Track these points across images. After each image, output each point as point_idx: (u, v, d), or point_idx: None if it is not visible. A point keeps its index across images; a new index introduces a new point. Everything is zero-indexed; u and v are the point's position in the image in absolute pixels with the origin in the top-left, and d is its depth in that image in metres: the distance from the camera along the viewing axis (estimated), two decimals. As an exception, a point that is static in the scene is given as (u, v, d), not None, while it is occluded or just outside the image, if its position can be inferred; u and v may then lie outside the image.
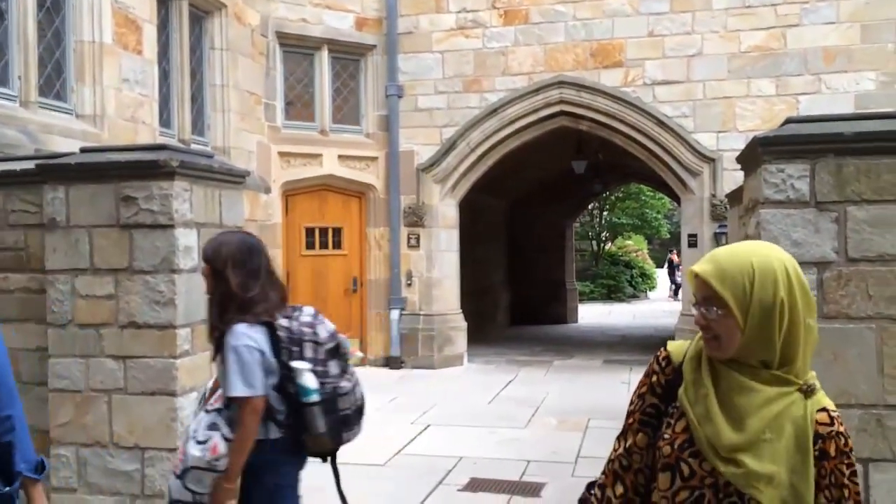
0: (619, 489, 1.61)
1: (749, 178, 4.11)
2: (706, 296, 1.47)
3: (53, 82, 6.47)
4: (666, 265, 27.03)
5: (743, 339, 1.44)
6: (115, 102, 6.82)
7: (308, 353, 2.76)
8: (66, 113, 6.53)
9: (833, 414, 1.46)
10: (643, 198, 24.41)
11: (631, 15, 9.96)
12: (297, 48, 10.33)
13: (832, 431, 1.44)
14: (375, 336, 10.55)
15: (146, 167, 4.27)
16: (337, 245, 10.53)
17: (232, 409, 2.72)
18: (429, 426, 7.07)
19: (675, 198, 12.59)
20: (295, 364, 2.72)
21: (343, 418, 2.81)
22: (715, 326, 1.46)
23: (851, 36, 9.36)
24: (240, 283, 2.76)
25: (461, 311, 10.82)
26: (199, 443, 2.68)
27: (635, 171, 14.48)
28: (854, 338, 3.46)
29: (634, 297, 24.43)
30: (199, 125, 8.67)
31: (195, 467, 2.65)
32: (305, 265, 10.18)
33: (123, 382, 4.23)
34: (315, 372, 2.74)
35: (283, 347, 2.75)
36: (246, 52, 9.30)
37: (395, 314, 10.39)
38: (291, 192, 10.22)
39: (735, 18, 9.70)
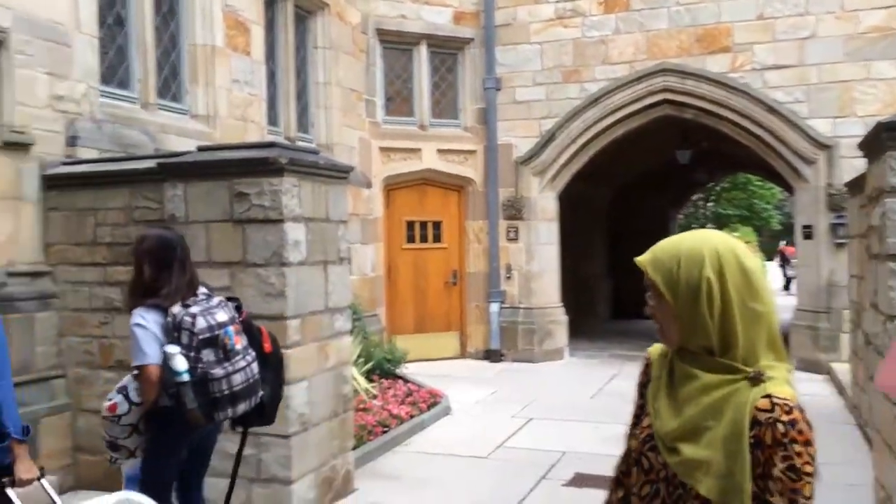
0: (620, 493, 1.63)
1: (873, 165, 3.89)
2: (646, 284, 1.46)
3: (170, 84, 6.78)
4: (777, 258, 25.91)
5: (678, 324, 1.41)
6: (227, 102, 7.09)
7: (184, 339, 3.13)
8: (181, 113, 6.83)
9: (777, 401, 1.33)
10: (751, 188, 23.47)
11: (739, -2, 9.57)
12: (397, 44, 10.46)
13: (770, 418, 1.32)
14: (475, 329, 10.59)
15: (257, 164, 4.43)
16: (437, 238, 10.62)
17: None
18: (530, 420, 7.04)
19: (787, 187, 12.05)
20: (167, 348, 3.13)
21: (213, 400, 3.12)
22: (657, 314, 1.46)
23: (982, 10, 8.68)
24: (151, 272, 3.29)
25: (561, 304, 10.71)
26: (108, 400, 3.24)
27: (743, 160, 13.92)
28: None
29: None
30: (303, 122, 8.91)
31: (104, 417, 3.23)
32: (406, 258, 10.32)
33: (238, 371, 4.39)
34: (187, 357, 3.10)
35: (167, 331, 3.17)
36: (347, 49, 9.49)
37: (494, 307, 10.40)
38: (392, 187, 10.37)
39: (853, -1, 9.17)
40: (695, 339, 1.41)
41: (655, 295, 1.45)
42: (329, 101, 9.12)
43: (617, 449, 1.71)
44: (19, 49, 4.93)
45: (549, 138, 10.33)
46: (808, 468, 1.31)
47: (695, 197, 22.65)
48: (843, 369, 7.89)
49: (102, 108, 5.70)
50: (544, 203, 10.52)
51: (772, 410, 1.33)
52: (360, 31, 9.83)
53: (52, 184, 5.09)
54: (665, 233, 17.51)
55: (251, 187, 4.43)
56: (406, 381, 7.92)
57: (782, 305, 15.04)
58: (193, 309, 3.20)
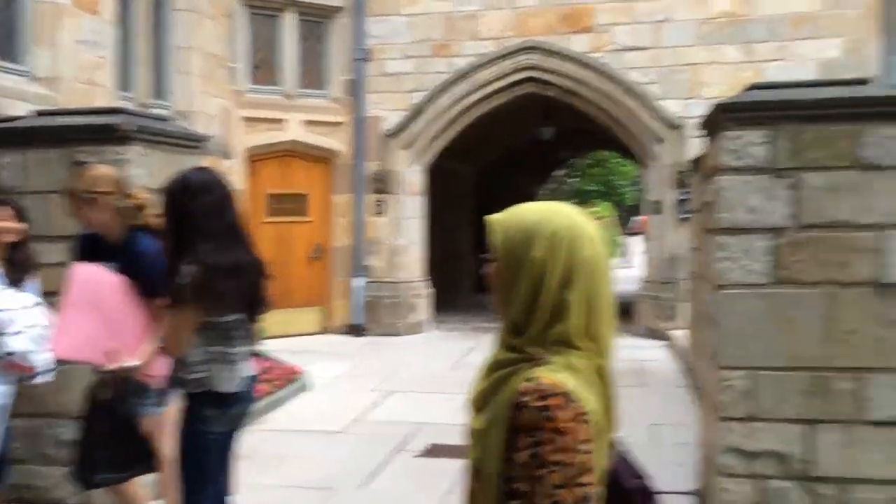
0: None
1: (711, 144, 4.13)
2: (488, 244, 1.45)
3: (9, 44, 6.27)
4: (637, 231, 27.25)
5: (500, 293, 1.42)
6: (73, 65, 6.62)
7: None
8: (22, 76, 6.33)
9: (537, 386, 1.29)
10: (609, 165, 24.53)
11: (602, -21, 9.89)
12: (263, 9, 10.12)
13: (524, 402, 1.28)
14: (340, 304, 10.51)
15: (100, 131, 4.18)
16: (301, 212, 10.44)
17: None
18: (391, 393, 7.10)
19: (643, 165, 12.65)
20: None
21: None
22: (490, 277, 1.45)
23: (816, 2, 9.39)
24: None
25: (427, 278, 10.82)
26: None
27: (603, 138, 14.49)
28: (805, 303, 3.53)
29: (602, 263, 24.59)
30: (161, 89, 8.47)
31: None
32: (268, 232, 10.05)
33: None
34: None
35: None
36: (210, 13, 9.08)
37: (358, 282, 10.35)
38: (256, 158, 10.07)
39: (704, -16, 9.67)
40: (507, 312, 1.41)
41: (491, 256, 1.44)
42: (189, 66, 8.71)
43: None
44: None
45: (417, 112, 10.33)
46: (554, 456, 1.26)
47: (558, 173, 23.41)
48: (681, 336, 8.43)
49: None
50: (412, 177, 10.55)
51: (528, 395, 1.29)
52: (223, -6, 9.44)
53: None
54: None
55: (93, 156, 4.16)
56: (265, 357, 7.77)
57: (628, 277, 15.63)
58: None
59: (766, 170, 3.57)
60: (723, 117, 3.65)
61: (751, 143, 3.58)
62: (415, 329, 10.45)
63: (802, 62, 9.35)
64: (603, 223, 26.77)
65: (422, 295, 10.68)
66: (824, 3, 9.37)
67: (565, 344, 1.35)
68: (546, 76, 10.08)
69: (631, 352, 8.60)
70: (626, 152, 15.09)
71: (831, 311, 3.51)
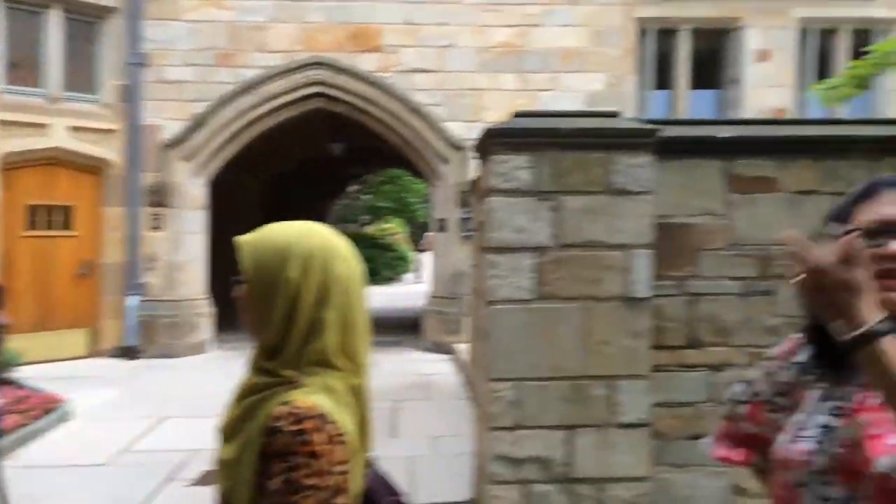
0: None
1: (483, 166, 4.32)
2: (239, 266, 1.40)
3: None
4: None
5: (253, 315, 1.38)
6: None
7: None
8: None
9: (291, 410, 1.26)
10: (402, 182, 25.03)
11: (389, 1, 10.08)
12: (23, 4, 9.22)
13: (278, 427, 1.25)
14: (111, 324, 9.75)
15: None
16: (67, 225, 9.58)
17: None
18: (164, 419, 6.69)
19: (431, 184, 13.01)
20: None
21: None
22: (241, 298, 1.40)
23: (584, 39, 10.23)
24: None
25: (210, 296, 10.36)
26: None
27: (393, 155, 14.74)
28: (564, 317, 3.78)
29: (392, 279, 25.00)
30: None
31: None
32: (27, 247, 9.14)
33: None
34: None
35: None
36: (-46, 2, 8.12)
37: (132, 300, 9.67)
38: (12, 166, 9.10)
39: (485, 14, 10.19)
40: (261, 335, 1.38)
41: (244, 279, 1.37)
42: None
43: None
44: None
45: (199, 122, 9.90)
46: (308, 481, 1.23)
47: (352, 189, 23.50)
48: (464, 349, 8.75)
49: None
50: (193, 190, 10.07)
51: (283, 419, 1.25)
52: (-28, -17, 8.48)
53: None
54: (321, 223, 17.86)
55: None
56: (20, 386, 7.02)
57: (421, 293, 16.00)
58: None
59: (531, 192, 3.79)
60: (491, 142, 3.83)
61: (517, 167, 3.79)
62: (196, 349, 9.95)
63: (571, 93, 10.13)
64: (395, 239, 27.19)
65: (204, 313, 10.20)
66: (590, 41, 10.23)
67: (322, 364, 1.34)
68: (335, 92, 10.09)
69: (417, 366, 8.78)
70: (417, 171, 15.49)
71: (587, 324, 3.79)
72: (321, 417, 1.27)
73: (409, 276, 26.90)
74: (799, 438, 1.45)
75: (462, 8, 10.13)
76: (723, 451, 1.77)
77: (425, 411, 6.64)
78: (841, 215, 1.45)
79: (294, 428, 1.25)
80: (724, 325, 4.03)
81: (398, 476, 1.60)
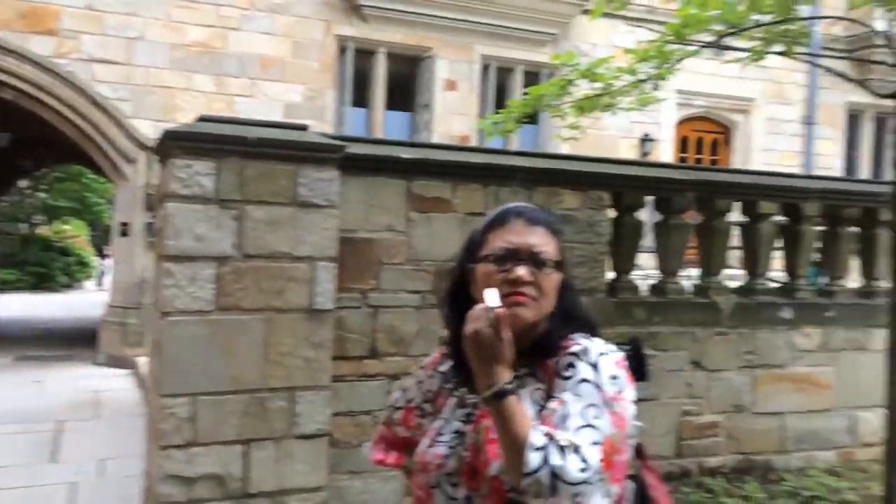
0: None
1: (163, 170, 4.10)
2: None
3: None
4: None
5: None
6: None
7: None
8: None
9: None
10: (85, 180, 22.82)
11: (68, -19, 9.19)
12: None
13: None
14: None
15: None
16: None
17: None
18: None
19: (115, 184, 12.03)
20: None
21: None
22: None
23: (284, 49, 10.21)
24: None
25: None
26: None
27: (72, 150, 13.38)
28: (246, 328, 3.71)
29: (69, 286, 22.67)
30: None
31: None
32: None
33: None
34: None
35: None
36: None
37: None
38: None
39: (179, 10, 9.73)
40: None
41: None
42: None
43: None
44: None
45: None
46: None
47: (22, 185, 20.90)
48: (144, 363, 8.21)
49: None
50: None
51: None
52: None
53: None
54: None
55: None
56: None
57: (101, 302, 14.87)
58: None
59: (213, 200, 3.68)
60: (171, 145, 3.66)
61: (199, 174, 3.65)
62: None
63: (270, 102, 10.04)
64: (74, 242, 24.71)
65: None
66: (290, 52, 10.24)
67: None
68: (1, 76, 8.90)
69: (90, 382, 8.06)
70: (100, 169, 14.20)
71: (269, 336, 3.76)
72: None
73: (89, 284, 24.57)
74: (437, 443, 1.57)
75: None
76: (379, 455, 1.87)
77: (94, 432, 6.08)
78: (476, 240, 1.61)
79: None
80: (402, 335, 4.26)
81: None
